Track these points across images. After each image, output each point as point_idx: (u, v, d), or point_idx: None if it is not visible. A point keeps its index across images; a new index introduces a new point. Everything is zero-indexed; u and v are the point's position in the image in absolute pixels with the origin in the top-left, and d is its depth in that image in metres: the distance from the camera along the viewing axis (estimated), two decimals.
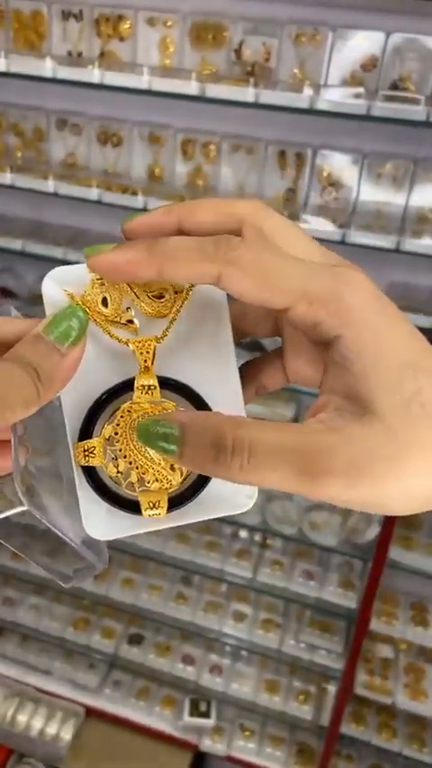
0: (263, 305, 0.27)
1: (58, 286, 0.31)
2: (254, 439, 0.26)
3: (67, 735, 1.92)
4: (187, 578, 1.96)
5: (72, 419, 0.31)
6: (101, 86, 1.37)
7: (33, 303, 1.79)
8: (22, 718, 1.95)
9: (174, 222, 0.29)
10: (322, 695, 1.84)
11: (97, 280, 0.31)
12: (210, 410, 0.32)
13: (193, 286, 0.32)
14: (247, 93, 1.28)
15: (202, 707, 1.92)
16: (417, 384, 0.26)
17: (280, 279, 0.27)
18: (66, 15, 1.48)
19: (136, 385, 0.30)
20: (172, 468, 0.31)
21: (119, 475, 0.31)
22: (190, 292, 0.32)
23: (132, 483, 0.31)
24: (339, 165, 1.42)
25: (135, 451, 0.31)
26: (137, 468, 0.31)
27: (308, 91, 1.25)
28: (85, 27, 1.47)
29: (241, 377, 0.33)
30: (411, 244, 1.31)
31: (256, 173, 1.49)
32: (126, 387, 0.31)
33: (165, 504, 0.31)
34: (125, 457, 0.31)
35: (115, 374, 0.31)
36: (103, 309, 0.31)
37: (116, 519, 0.32)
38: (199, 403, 0.32)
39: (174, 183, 1.55)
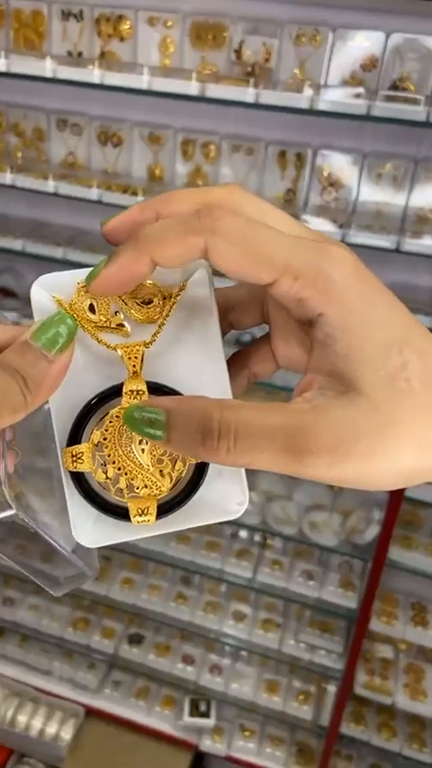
0: (247, 279, 0.27)
1: (47, 292, 0.31)
2: (240, 421, 0.26)
3: (67, 735, 1.92)
4: (187, 578, 1.96)
5: (61, 424, 0.31)
6: (101, 86, 1.37)
7: None
8: (22, 719, 1.95)
9: (151, 217, 0.29)
10: (322, 695, 1.84)
11: (82, 287, 0.31)
12: None
13: (181, 290, 0.31)
14: (247, 94, 1.28)
15: (202, 707, 1.92)
16: (402, 359, 0.26)
17: (265, 251, 0.26)
18: (66, 15, 1.48)
19: (124, 390, 0.30)
20: (161, 473, 0.31)
21: (107, 481, 0.31)
22: (178, 297, 0.31)
23: (121, 489, 0.31)
24: (339, 164, 1.43)
25: (124, 457, 0.30)
26: (125, 474, 0.31)
27: (308, 91, 1.25)
28: (85, 27, 1.47)
29: (231, 367, 0.33)
30: (411, 244, 1.31)
31: (256, 173, 1.49)
32: (115, 392, 0.31)
33: (154, 511, 0.31)
34: (114, 463, 0.31)
35: (104, 380, 0.31)
36: (91, 316, 0.31)
37: (105, 526, 0.32)
38: None
39: (174, 183, 1.55)
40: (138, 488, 0.31)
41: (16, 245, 1.61)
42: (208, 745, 1.88)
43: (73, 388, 0.31)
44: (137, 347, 0.31)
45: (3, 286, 1.81)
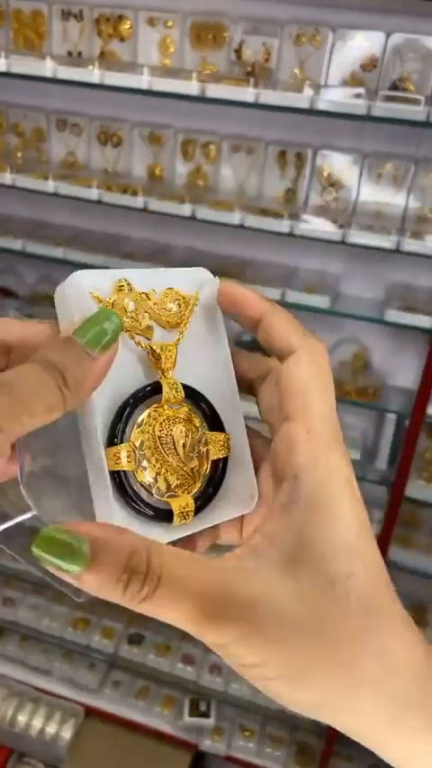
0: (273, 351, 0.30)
1: (85, 289, 0.30)
2: (165, 567, 0.24)
3: (66, 735, 1.92)
4: None
5: (91, 423, 0.30)
6: (101, 86, 1.37)
7: (33, 303, 1.79)
8: (21, 718, 1.95)
9: (256, 313, 0.31)
10: None
11: (120, 287, 0.31)
12: (219, 418, 0.32)
13: (197, 298, 0.33)
14: (247, 93, 1.28)
15: (202, 707, 1.92)
16: (349, 568, 0.26)
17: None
18: (66, 15, 1.48)
19: (165, 388, 0.30)
20: (193, 471, 0.31)
21: (149, 482, 0.30)
22: (197, 302, 0.33)
23: (160, 489, 0.31)
24: (339, 165, 1.42)
25: (164, 456, 0.30)
26: (163, 473, 0.31)
27: (308, 91, 1.25)
28: (85, 27, 1.47)
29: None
30: (411, 244, 1.31)
31: (256, 173, 1.49)
32: (149, 391, 0.31)
33: (192, 510, 0.31)
34: (153, 463, 0.30)
35: (136, 379, 0.31)
36: (125, 316, 0.31)
37: (143, 528, 0.31)
38: (207, 406, 0.32)
39: (174, 183, 1.55)
40: (175, 488, 0.31)
41: (16, 245, 1.61)
42: (208, 745, 1.88)
43: (108, 386, 0.30)
44: (171, 346, 0.31)
45: (3, 286, 1.81)
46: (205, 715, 1.90)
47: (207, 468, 0.32)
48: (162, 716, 1.94)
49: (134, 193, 1.47)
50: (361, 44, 1.31)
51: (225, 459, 0.32)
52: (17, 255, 1.64)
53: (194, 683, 1.92)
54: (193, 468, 0.31)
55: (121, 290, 0.31)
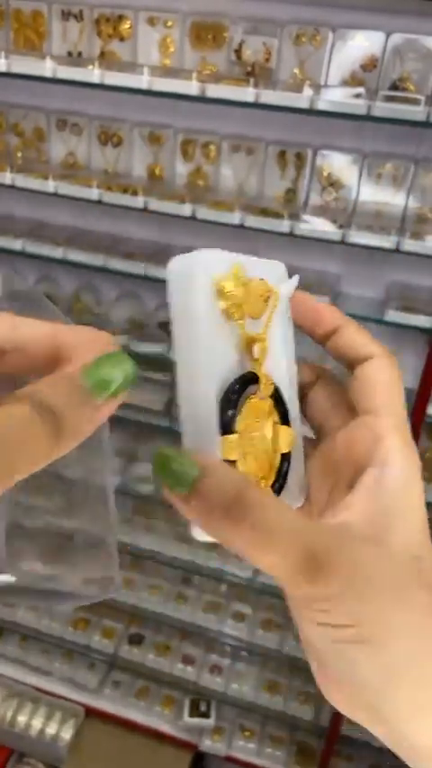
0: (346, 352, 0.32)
1: (210, 275, 0.29)
2: (271, 505, 0.24)
3: (66, 735, 1.92)
4: (187, 578, 1.96)
5: (213, 411, 0.29)
6: (101, 86, 1.37)
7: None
8: (21, 719, 1.95)
9: (330, 326, 0.33)
10: (322, 695, 1.84)
11: (236, 274, 0.31)
12: (288, 413, 0.32)
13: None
14: (247, 93, 1.28)
15: (202, 707, 1.92)
16: (421, 552, 0.27)
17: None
18: (66, 15, 1.48)
19: (262, 380, 0.31)
20: (272, 464, 0.31)
21: (248, 471, 0.30)
22: (279, 296, 0.33)
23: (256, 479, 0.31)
24: (339, 165, 1.42)
25: (253, 449, 0.31)
26: (254, 464, 0.31)
27: (308, 91, 1.24)
28: (85, 27, 1.47)
29: None
30: (411, 244, 1.31)
31: (256, 173, 1.49)
32: (248, 381, 0.30)
33: None
34: (249, 452, 0.30)
35: (232, 364, 0.31)
36: (234, 301, 0.30)
37: None
38: (281, 401, 0.32)
39: (174, 182, 1.55)
40: (261, 479, 0.31)
41: (16, 245, 1.61)
42: (208, 745, 1.88)
43: (212, 371, 0.29)
44: (264, 336, 0.31)
45: None
46: (205, 715, 1.90)
47: (278, 461, 0.32)
48: (162, 716, 1.94)
49: (134, 193, 1.47)
50: (361, 44, 1.31)
51: (290, 454, 0.33)
52: (17, 255, 1.64)
53: (194, 683, 1.92)
54: (272, 461, 0.32)
55: (237, 277, 0.31)
